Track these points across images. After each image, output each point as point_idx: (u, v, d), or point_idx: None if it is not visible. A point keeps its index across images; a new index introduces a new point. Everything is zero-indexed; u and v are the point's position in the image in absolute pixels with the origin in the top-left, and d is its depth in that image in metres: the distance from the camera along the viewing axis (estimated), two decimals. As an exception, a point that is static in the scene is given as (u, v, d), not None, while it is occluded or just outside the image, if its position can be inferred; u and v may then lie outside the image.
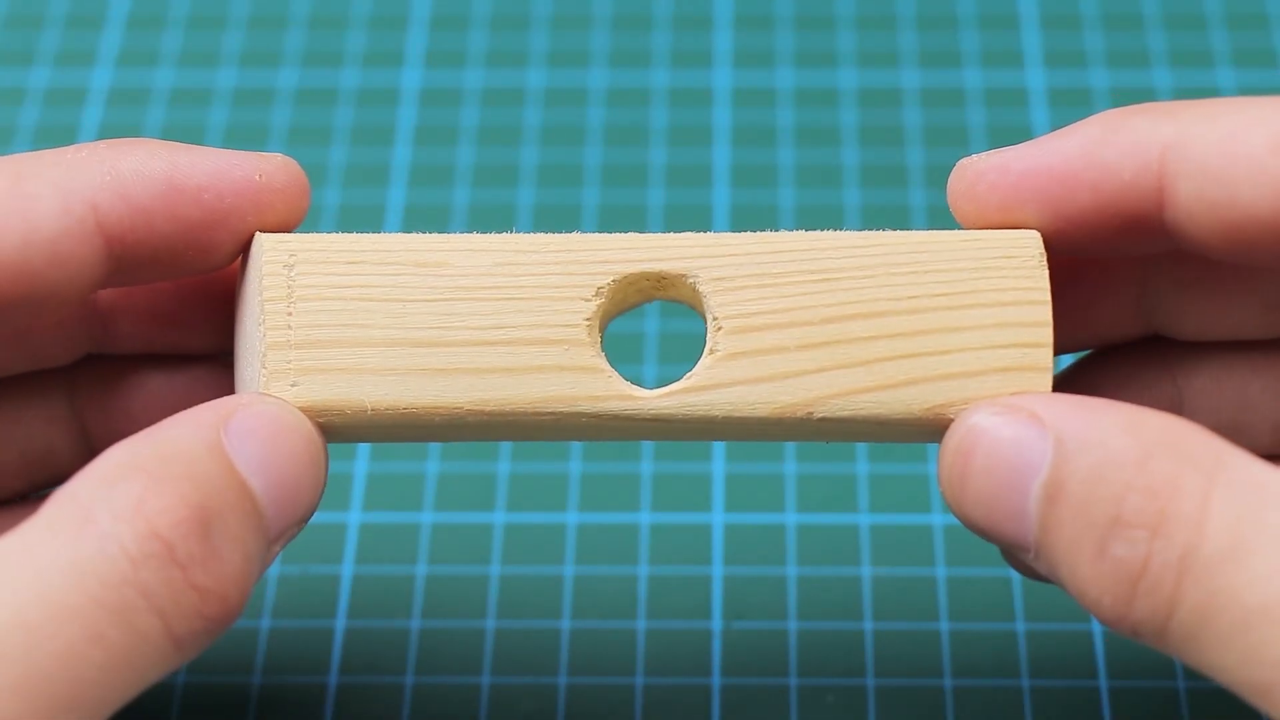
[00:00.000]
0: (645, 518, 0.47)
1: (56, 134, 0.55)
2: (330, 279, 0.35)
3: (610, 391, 0.34)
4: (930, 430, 0.35)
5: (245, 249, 0.36)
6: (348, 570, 0.46)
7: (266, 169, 0.35)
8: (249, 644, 0.44)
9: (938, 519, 0.47)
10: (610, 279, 0.35)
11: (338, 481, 0.47)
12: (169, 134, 0.55)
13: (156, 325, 0.38)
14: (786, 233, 0.36)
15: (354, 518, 0.47)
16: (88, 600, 0.29)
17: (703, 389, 0.35)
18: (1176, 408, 0.38)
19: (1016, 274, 0.35)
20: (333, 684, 0.44)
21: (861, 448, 0.48)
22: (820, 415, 0.34)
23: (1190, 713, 0.43)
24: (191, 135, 0.55)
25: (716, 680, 0.44)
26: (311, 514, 0.33)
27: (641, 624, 0.45)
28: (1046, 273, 0.35)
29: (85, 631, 0.28)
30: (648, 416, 0.35)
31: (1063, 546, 0.31)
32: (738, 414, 0.34)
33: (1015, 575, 0.45)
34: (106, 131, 0.56)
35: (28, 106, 0.56)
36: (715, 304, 0.35)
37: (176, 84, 0.57)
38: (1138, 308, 0.38)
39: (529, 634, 0.45)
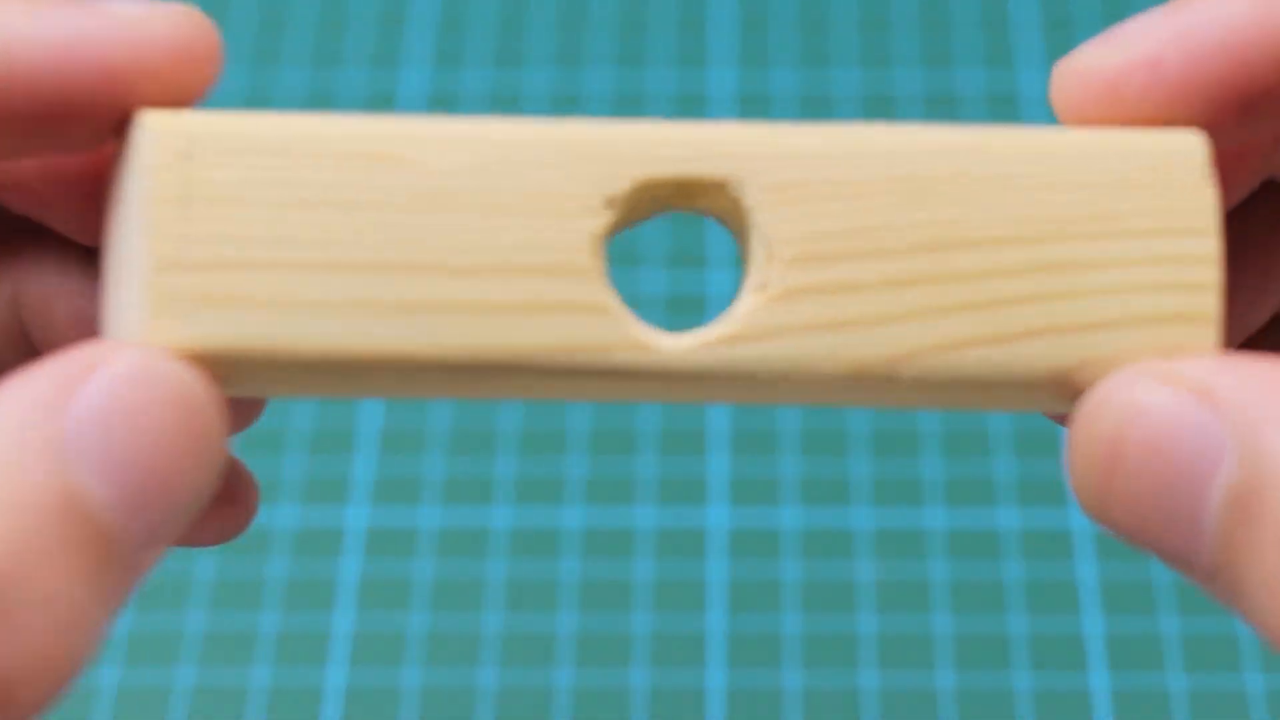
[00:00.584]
0: (649, 521, 0.47)
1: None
2: (244, 175, 0.26)
3: (623, 339, 0.26)
4: (1053, 397, 0.27)
5: (122, 129, 0.26)
6: (349, 572, 0.46)
7: (150, 25, 0.26)
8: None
9: (937, 521, 0.47)
10: (628, 183, 0.26)
11: (335, 483, 0.47)
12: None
13: (28, 201, 0.29)
14: (864, 125, 0.27)
15: (351, 522, 0.47)
16: None
17: (749, 339, 0.26)
18: None
19: (1172, 192, 0.26)
20: (333, 683, 0.44)
21: (856, 444, 0.48)
22: (911, 374, 0.26)
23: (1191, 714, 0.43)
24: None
25: (716, 679, 0.44)
26: (203, 498, 0.25)
27: (641, 622, 0.45)
28: (1214, 190, 0.27)
29: None
30: (676, 373, 0.26)
31: (1261, 577, 0.23)
32: (798, 372, 0.26)
33: (1009, 577, 0.46)
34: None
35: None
36: (767, 223, 0.26)
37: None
38: None
39: (529, 626, 0.45)
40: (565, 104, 0.56)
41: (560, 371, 0.26)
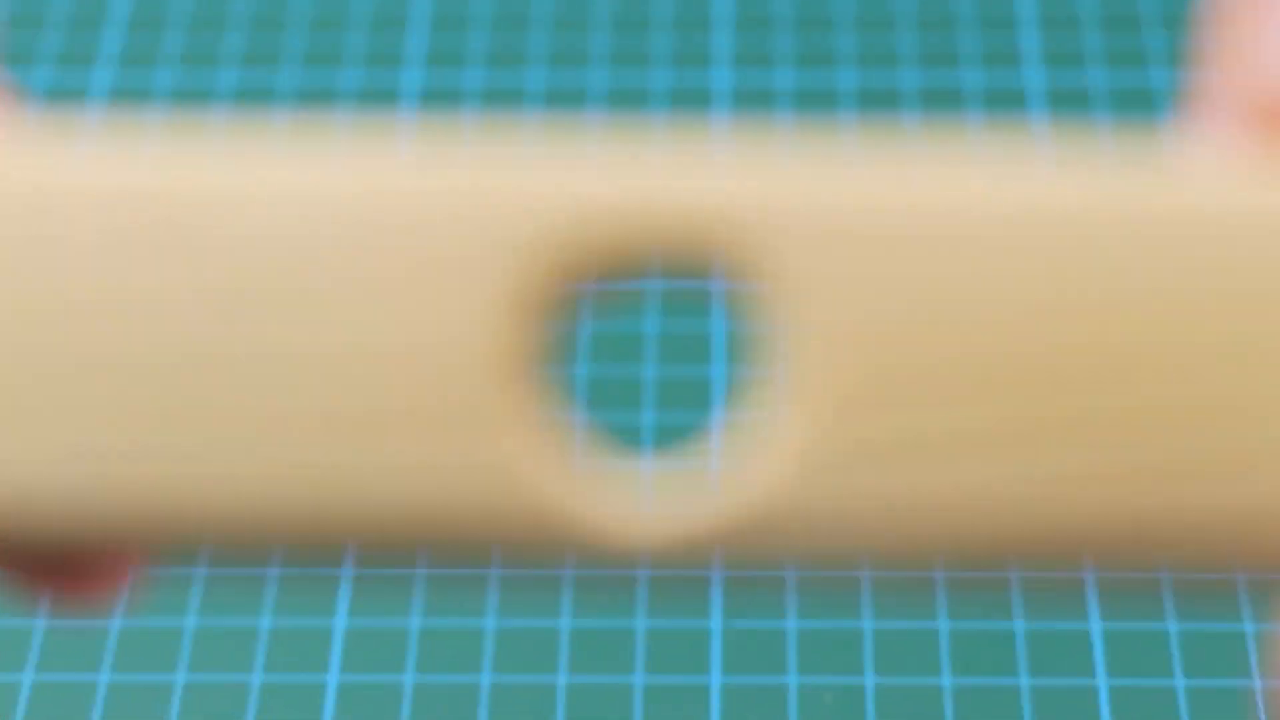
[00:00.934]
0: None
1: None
2: None
3: (556, 521, 0.17)
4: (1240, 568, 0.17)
5: None
6: (347, 573, 0.46)
7: None
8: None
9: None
10: (552, 255, 0.17)
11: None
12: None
13: None
14: (943, 170, 0.17)
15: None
16: None
17: (774, 515, 0.16)
18: None
19: None
20: (332, 684, 0.44)
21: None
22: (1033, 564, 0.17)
23: (1189, 713, 0.43)
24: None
25: (716, 679, 0.44)
26: None
27: (641, 623, 0.45)
28: None
29: None
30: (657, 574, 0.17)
31: None
32: (847, 555, 0.17)
33: (1012, 575, 0.46)
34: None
35: (28, 107, 0.57)
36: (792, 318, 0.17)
37: (176, 85, 0.57)
38: None
39: (527, 633, 0.45)
40: (563, 102, 0.56)
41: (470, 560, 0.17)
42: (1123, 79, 0.56)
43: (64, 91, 0.57)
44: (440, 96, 0.57)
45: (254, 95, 0.57)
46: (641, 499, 0.16)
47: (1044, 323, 0.16)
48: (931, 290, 0.16)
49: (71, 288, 0.16)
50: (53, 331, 0.16)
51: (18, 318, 0.16)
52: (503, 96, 0.57)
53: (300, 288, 0.16)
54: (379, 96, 0.57)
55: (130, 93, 0.57)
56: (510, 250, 0.16)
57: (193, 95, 0.57)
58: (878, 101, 0.56)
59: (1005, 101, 0.56)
